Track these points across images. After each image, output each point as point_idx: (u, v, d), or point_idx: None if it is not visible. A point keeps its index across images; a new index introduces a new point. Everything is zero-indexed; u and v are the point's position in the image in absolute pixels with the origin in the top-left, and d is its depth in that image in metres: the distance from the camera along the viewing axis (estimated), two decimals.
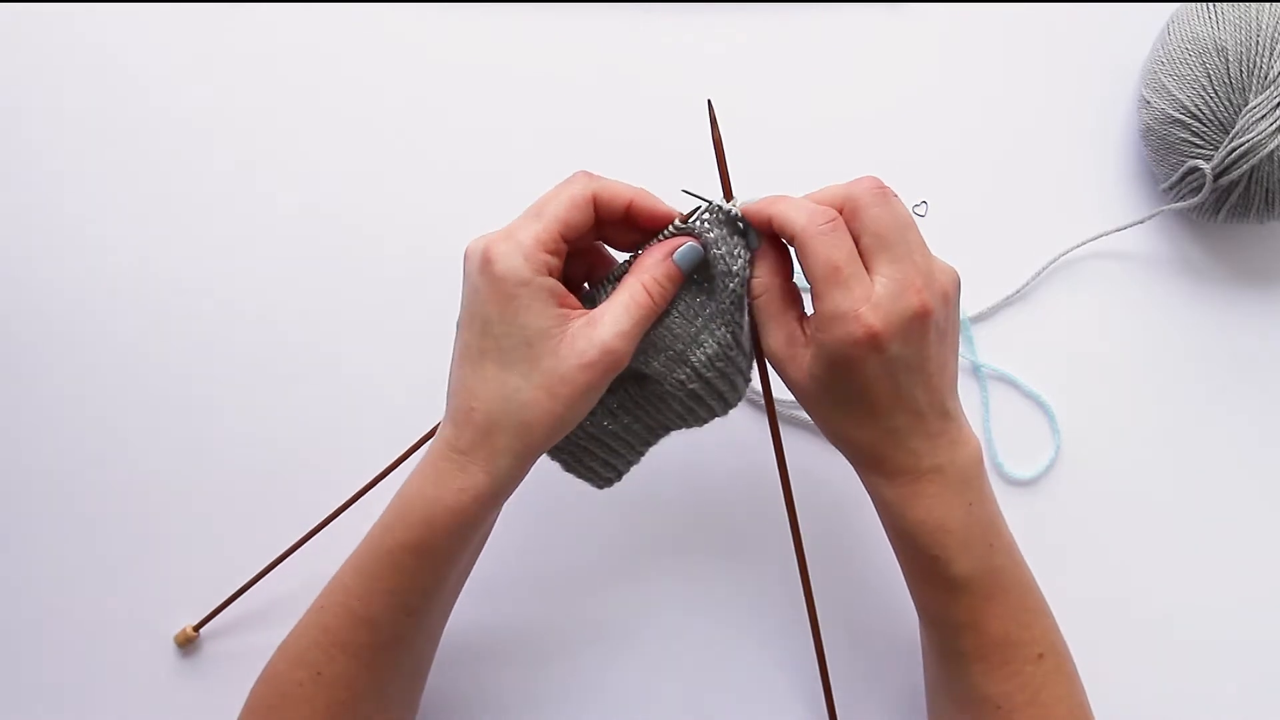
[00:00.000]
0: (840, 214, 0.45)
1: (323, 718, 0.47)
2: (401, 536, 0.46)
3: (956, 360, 0.48)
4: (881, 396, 0.45)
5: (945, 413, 0.46)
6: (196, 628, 0.60)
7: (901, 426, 0.46)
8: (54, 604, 0.61)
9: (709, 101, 0.49)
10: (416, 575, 0.47)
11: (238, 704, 0.50)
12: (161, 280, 0.64)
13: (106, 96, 0.65)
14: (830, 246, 0.44)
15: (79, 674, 0.60)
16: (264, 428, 0.62)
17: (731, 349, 0.49)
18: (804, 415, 0.61)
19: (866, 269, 0.45)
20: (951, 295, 0.46)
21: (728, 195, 0.49)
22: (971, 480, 0.47)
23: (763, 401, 0.50)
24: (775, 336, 0.48)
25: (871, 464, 0.48)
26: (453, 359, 0.48)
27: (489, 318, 0.45)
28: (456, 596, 0.52)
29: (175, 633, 0.60)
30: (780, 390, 0.52)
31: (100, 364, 0.63)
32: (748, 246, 0.48)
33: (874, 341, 0.44)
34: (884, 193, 0.45)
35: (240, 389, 0.63)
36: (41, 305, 0.64)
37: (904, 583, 0.51)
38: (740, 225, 0.48)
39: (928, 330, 0.44)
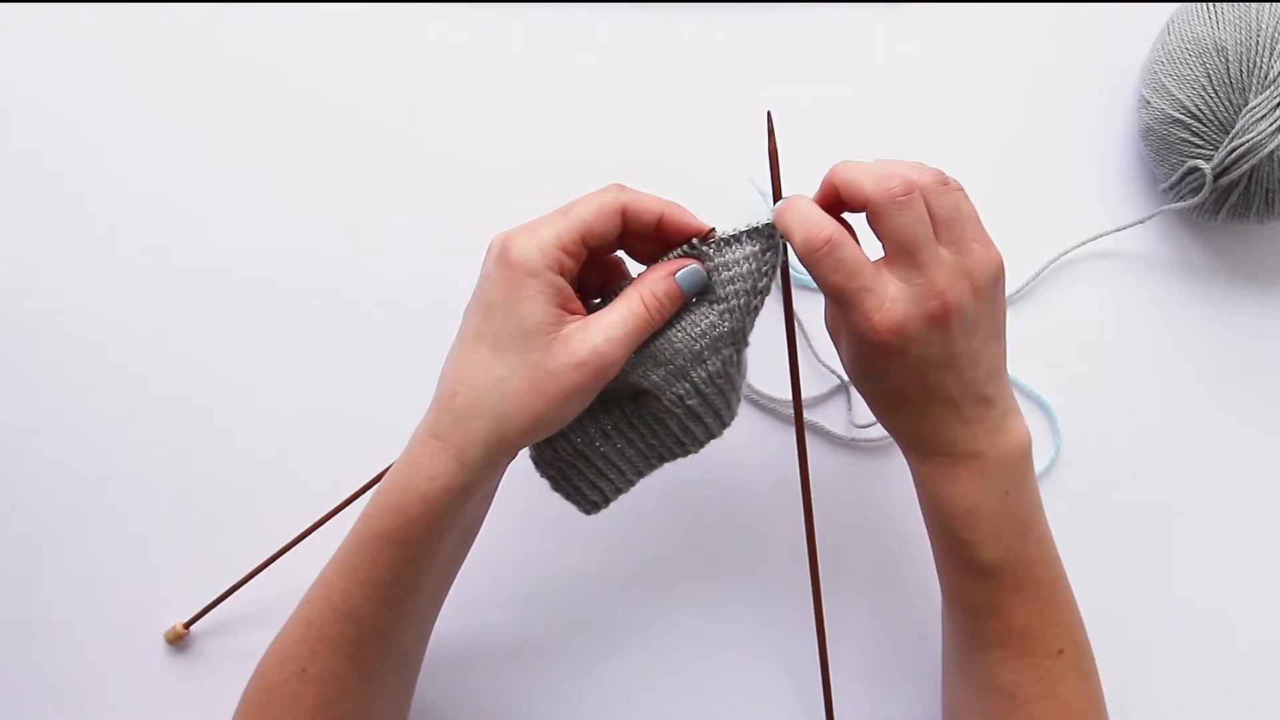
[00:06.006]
0: (867, 210, 0.45)
1: (310, 714, 0.47)
2: (378, 526, 0.46)
3: (1000, 346, 0.47)
4: (911, 391, 0.46)
5: (984, 399, 0.46)
6: (187, 625, 0.59)
7: (936, 415, 0.46)
8: (44, 601, 0.61)
9: (769, 114, 0.49)
10: (394, 567, 0.46)
11: (228, 700, 0.50)
12: (155, 278, 0.63)
13: (108, 96, 0.65)
14: (829, 270, 0.44)
15: (69, 671, 0.60)
16: (257, 424, 0.62)
17: (733, 366, 0.49)
18: (810, 418, 0.61)
19: (890, 271, 0.45)
20: (984, 286, 0.45)
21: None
22: (1011, 470, 0.47)
23: (766, 404, 0.50)
24: (829, 316, 0.50)
25: (910, 445, 0.49)
26: (452, 344, 0.48)
27: (494, 303, 0.45)
28: (444, 592, 0.52)
29: (165, 630, 0.60)
30: (781, 390, 0.51)
31: (91, 362, 0.63)
32: (774, 262, 0.48)
33: (891, 348, 0.44)
34: (907, 200, 0.44)
35: (231, 386, 0.62)
36: (35, 306, 0.63)
37: (909, 596, 0.51)
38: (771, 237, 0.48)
39: (950, 328, 0.44)
